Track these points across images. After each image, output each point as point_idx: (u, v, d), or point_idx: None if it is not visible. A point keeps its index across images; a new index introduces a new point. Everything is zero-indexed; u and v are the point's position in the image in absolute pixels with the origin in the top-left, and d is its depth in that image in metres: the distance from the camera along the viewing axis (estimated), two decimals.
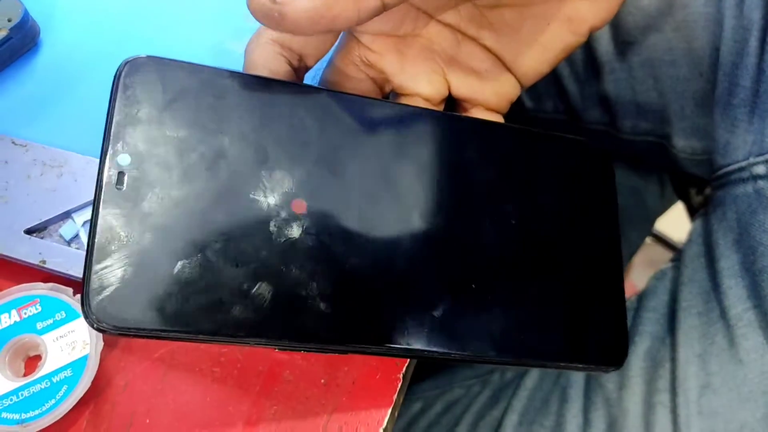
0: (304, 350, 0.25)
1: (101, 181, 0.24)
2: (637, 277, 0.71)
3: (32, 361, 0.31)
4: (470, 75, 0.32)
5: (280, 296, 0.25)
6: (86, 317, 0.22)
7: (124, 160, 0.24)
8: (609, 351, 0.29)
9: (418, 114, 0.29)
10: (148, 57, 0.25)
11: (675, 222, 0.71)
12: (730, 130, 0.43)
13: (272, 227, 0.25)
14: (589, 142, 0.32)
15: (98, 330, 0.23)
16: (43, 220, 0.32)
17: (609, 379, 0.43)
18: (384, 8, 0.25)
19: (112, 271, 0.23)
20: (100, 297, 0.23)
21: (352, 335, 0.25)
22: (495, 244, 0.28)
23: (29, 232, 0.32)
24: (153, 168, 0.24)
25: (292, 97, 0.27)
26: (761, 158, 0.40)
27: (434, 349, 0.26)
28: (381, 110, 0.28)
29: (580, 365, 0.29)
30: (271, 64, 0.28)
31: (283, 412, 0.30)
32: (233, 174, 0.25)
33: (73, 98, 0.36)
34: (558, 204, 0.30)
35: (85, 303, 0.22)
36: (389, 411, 0.30)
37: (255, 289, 0.24)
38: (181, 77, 0.26)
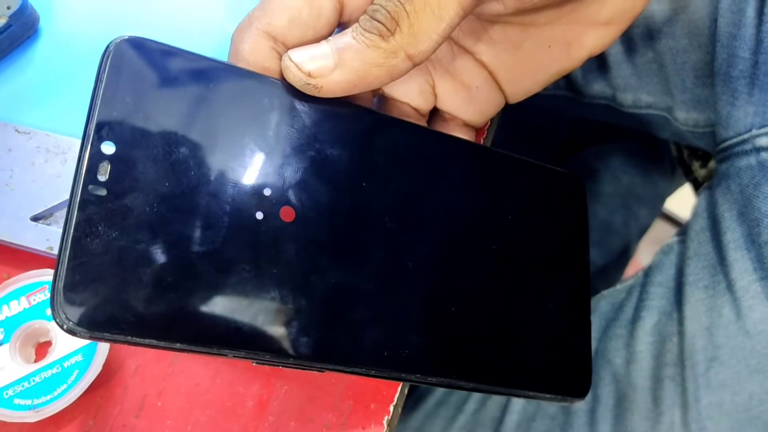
0: (282, 366, 0.24)
1: (81, 168, 0.22)
2: (642, 254, 0.71)
3: (42, 347, 0.31)
4: (460, 90, 0.32)
5: (263, 309, 0.23)
6: (55, 317, 0.21)
7: (107, 147, 0.22)
8: (573, 382, 0.29)
9: (412, 130, 0.28)
10: (138, 38, 0.24)
11: (679, 198, 0.70)
12: (731, 102, 0.43)
13: (258, 235, 0.24)
14: (566, 172, 0.32)
15: (68, 332, 0.21)
16: (49, 206, 0.32)
17: (617, 355, 0.43)
18: (414, 67, 0.26)
19: (86, 269, 0.21)
20: (72, 295, 0.21)
21: (329, 355, 0.25)
22: (472, 270, 0.28)
23: (35, 219, 0.32)
24: (138, 158, 0.23)
25: (284, 97, 0.25)
26: (763, 130, 0.40)
27: (405, 374, 0.26)
28: (374, 121, 0.27)
29: (546, 395, 0.29)
30: (264, 60, 0.26)
31: (293, 392, 0.30)
32: (221, 173, 0.24)
33: (74, 85, 0.35)
34: (531, 232, 0.30)
35: (55, 301, 0.21)
36: (399, 388, 0.30)
37: (237, 299, 0.23)
38: (172, 63, 0.24)
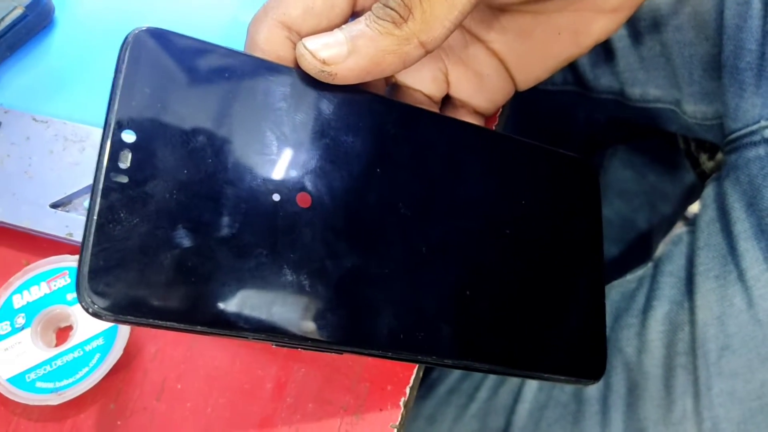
0: (301, 348, 0.24)
1: (103, 157, 0.22)
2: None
3: (63, 332, 0.31)
4: (472, 78, 0.32)
5: (281, 292, 0.24)
6: (81, 300, 0.21)
7: (128, 136, 0.23)
8: (588, 364, 0.30)
9: (426, 116, 0.29)
10: (157, 29, 0.24)
11: None
12: (739, 94, 0.43)
13: (276, 220, 0.24)
14: (579, 157, 0.32)
15: (93, 315, 0.21)
16: (67, 194, 0.32)
17: (628, 344, 0.43)
18: (426, 54, 0.26)
19: (110, 254, 0.21)
20: (96, 280, 0.21)
21: (347, 338, 0.25)
22: (486, 254, 0.28)
23: (55, 206, 0.32)
24: (158, 146, 0.23)
25: (299, 85, 0.26)
26: None
27: (422, 356, 0.26)
28: (389, 107, 0.28)
29: (561, 377, 0.29)
30: (279, 49, 0.27)
31: (311, 374, 0.31)
32: (239, 160, 0.24)
33: (90, 73, 0.36)
34: (545, 216, 0.30)
35: (80, 285, 0.21)
36: (415, 370, 0.31)
37: (256, 283, 0.23)
38: (189, 53, 0.24)
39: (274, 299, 0.24)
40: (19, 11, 0.35)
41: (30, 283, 0.31)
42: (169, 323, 0.22)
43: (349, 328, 0.25)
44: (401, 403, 0.30)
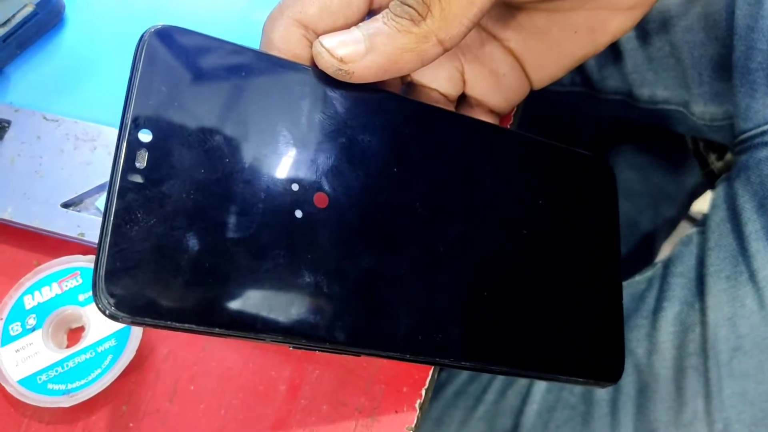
0: (319, 350, 0.24)
1: (119, 157, 0.22)
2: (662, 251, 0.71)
3: (75, 333, 0.31)
4: (489, 77, 0.32)
5: (299, 294, 0.24)
6: (97, 302, 0.21)
7: (144, 136, 0.22)
8: (605, 366, 0.30)
9: (444, 115, 0.29)
10: (173, 27, 0.24)
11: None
12: (750, 95, 0.43)
13: (293, 220, 0.24)
14: (596, 156, 0.32)
15: (110, 317, 0.21)
16: (79, 193, 0.32)
17: (638, 345, 0.43)
18: (444, 52, 0.26)
19: (127, 255, 0.21)
20: (113, 281, 0.21)
21: (365, 340, 0.25)
22: (503, 254, 0.28)
23: (66, 205, 0.32)
24: (175, 146, 0.23)
25: (316, 84, 0.26)
26: None
27: (439, 358, 0.26)
28: (406, 106, 0.28)
29: (579, 379, 0.29)
30: (295, 48, 0.27)
31: (325, 376, 0.30)
32: (255, 160, 0.24)
33: (101, 72, 0.36)
34: (562, 217, 0.30)
35: (96, 287, 0.21)
36: (431, 372, 0.30)
37: (274, 284, 0.23)
38: (205, 51, 0.24)
39: (293, 301, 0.23)
40: (29, 9, 0.35)
41: (41, 284, 0.30)
42: (186, 325, 0.22)
43: (368, 329, 0.25)
44: (417, 406, 0.30)
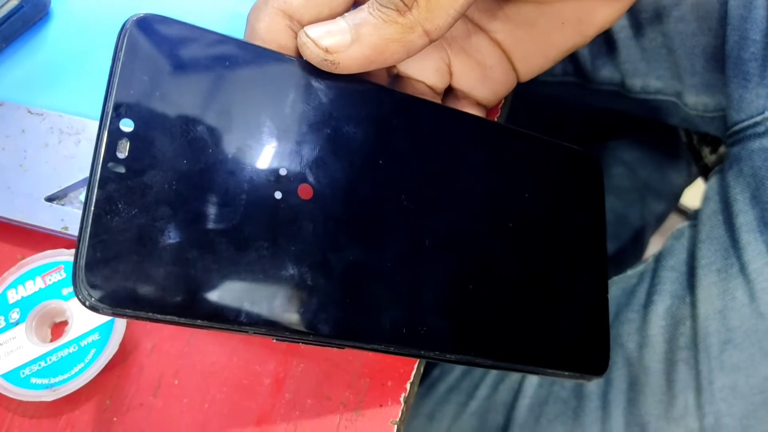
0: (302, 342, 0.24)
1: (100, 147, 0.21)
2: (650, 245, 0.71)
3: (58, 327, 0.31)
4: (475, 69, 0.32)
5: (283, 286, 0.23)
6: (77, 293, 0.21)
7: (126, 125, 0.22)
8: (591, 359, 0.29)
9: (429, 107, 0.28)
10: (156, 15, 0.24)
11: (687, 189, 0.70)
12: (743, 85, 0.42)
13: (277, 212, 0.24)
14: (584, 151, 0.31)
15: (90, 308, 0.21)
16: (63, 187, 0.32)
17: (629, 339, 0.43)
18: (430, 43, 0.26)
19: (108, 245, 0.21)
20: (93, 272, 0.21)
21: (349, 332, 0.25)
22: (489, 247, 0.28)
23: (50, 199, 0.32)
24: (157, 136, 0.22)
25: (300, 75, 0.25)
26: None
27: (424, 351, 0.26)
28: (391, 98, 0.27)
29: (565, 372, 0.29)
30: (280, 38, 0.26)
31: (310, 370, 0.30)
32: (239, 151, 0.24)
33: (86, 66, 0.35)
34: (548, 210, 0.30)
35: (76, 278, 0.21)
36: (416, 365, 0.30)
37: (257, 276, 0.23)
38: (188, 40, 0.24)
39: (276, 292, 0.23)
40: (14, 2, 0.34)
41: (25, 278, 0.30)
42: (168, 317, 0.22)
43: (352, 322, 0.25)
44: (401, 399, 0.30)
